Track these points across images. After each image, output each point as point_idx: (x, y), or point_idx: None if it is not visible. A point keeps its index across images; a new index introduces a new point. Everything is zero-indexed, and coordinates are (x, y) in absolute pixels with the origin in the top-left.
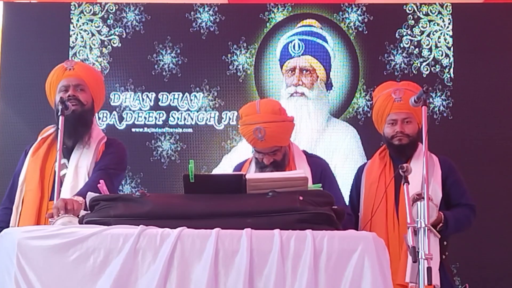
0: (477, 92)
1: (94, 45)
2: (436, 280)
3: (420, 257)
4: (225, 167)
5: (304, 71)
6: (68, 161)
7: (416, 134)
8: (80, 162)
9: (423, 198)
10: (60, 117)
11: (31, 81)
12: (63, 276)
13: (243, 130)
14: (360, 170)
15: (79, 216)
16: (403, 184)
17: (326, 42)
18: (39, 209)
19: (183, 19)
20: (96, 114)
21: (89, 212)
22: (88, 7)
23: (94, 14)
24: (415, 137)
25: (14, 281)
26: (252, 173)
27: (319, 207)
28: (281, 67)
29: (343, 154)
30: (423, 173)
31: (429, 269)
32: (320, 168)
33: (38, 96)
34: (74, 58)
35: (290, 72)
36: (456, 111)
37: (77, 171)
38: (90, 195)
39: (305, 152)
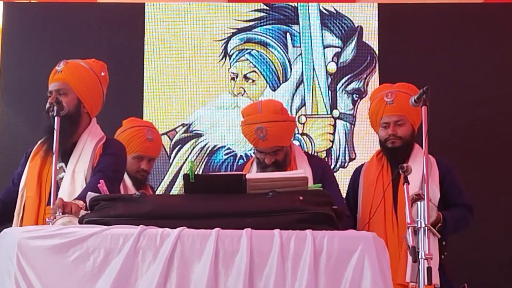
0: (477, 91)
1: None
2: (436, 279)
3: (420, 257)
4: None
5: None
6: (66, 165)
7: (410, 136)
8: (77, 167)
9: (423, 198)
10: (56, 118)
11: (31, 81)
12: (63, 276)
13: (245, 130)
14: (358, 172)
15: (79, 216)
16: (403, 184)
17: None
18: (37, 215)
19: None
20: None
21: (89, 212)
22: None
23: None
24: (409, 139)
25: (14, 281)
26: (252, 173)
27: (319, 207)
28: None
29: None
30: (423, 173)
31: (429, 269)
32: (320, 169)
33: (38, 96)
34: None
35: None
36: (457, 111)
37: (74, 176)
38: (90, 195)
39: (306, 153)
